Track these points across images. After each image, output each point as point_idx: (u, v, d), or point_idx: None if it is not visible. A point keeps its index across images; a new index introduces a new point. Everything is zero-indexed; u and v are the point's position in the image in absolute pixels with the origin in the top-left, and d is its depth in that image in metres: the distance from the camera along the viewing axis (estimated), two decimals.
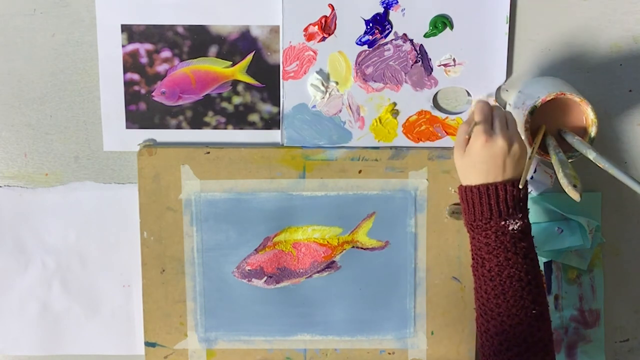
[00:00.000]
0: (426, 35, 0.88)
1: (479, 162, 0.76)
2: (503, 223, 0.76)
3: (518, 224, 0.76)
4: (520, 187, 0.77)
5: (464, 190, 0.78)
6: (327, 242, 0.92)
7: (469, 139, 0.77)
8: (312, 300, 0.93)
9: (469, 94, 0.90)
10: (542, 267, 0.92)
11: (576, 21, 0.88)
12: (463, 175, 0.79)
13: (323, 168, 0.90)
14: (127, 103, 0.90)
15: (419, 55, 0.89)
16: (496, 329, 0.76)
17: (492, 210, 0.76)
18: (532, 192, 0.91)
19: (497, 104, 0.89)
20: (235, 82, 0.90)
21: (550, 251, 0.90)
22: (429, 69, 0.89)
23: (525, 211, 0.77)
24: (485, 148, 0.76)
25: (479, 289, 0.78)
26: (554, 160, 0.80)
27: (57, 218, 0.92)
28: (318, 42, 0.88)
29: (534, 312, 0.75)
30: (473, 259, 0.78)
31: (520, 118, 0.83)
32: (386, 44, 0.88)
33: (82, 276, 0.94)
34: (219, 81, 0.90)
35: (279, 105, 0.90)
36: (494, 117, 0.78)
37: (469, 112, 0.89)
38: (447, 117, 0.90)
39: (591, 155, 0.79)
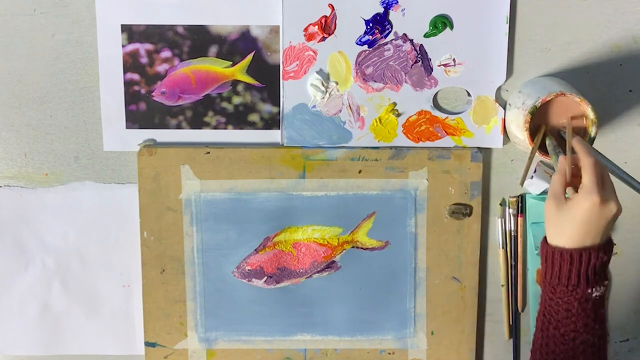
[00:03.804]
0: (426, 35, 0.88)
1: (581, 222, 0.71)
2: (589, 291, 0.71)
3: (601, 290, 0.72)
4: (521, 186, 0.77)
5: (552, 251, 0.72)
6: (327, 242, 0.92)
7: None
8: (312, 300, 0.93)
9: (469, 94, 0.90)
10: None
11: (576, 21, 0.88)
12: (554, 228, 0.73)
13: (323, 168, 0.90)
14: (127, 103, 0.90)
15: (419, 55, 0.88)
16: None
17: (580, 277, 0.71)
18: (532, 192, 0.91)
19: (598, 153, 0.79)
20: (235, 82, 0.90)
21: None
22: (429, 69, 0.89)
23: (607, 273, 0.73)
24: (594, 209, 0.70)
25: (545, 346, 0.74)
26: (554, 160, 0.80)
27: (57, 218, 0.92)
28: (318, 42, 0.88)
29: None
30: (544, 316, 0.74)
31: (520, 118, 0.83)
32: (386, 44, 0.88)
33: (82, 276, 0.94)
34: (219, 81, 0.90)
35: (279, 105, 0.90)
36: (603, 177, 0.72)
37: (561, 161, 0.75)
38: (447, 117, 0.90)
39: None
